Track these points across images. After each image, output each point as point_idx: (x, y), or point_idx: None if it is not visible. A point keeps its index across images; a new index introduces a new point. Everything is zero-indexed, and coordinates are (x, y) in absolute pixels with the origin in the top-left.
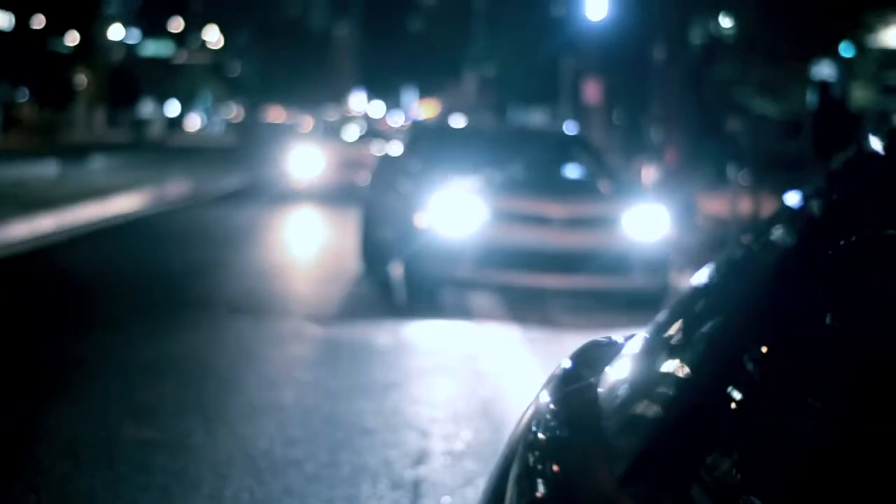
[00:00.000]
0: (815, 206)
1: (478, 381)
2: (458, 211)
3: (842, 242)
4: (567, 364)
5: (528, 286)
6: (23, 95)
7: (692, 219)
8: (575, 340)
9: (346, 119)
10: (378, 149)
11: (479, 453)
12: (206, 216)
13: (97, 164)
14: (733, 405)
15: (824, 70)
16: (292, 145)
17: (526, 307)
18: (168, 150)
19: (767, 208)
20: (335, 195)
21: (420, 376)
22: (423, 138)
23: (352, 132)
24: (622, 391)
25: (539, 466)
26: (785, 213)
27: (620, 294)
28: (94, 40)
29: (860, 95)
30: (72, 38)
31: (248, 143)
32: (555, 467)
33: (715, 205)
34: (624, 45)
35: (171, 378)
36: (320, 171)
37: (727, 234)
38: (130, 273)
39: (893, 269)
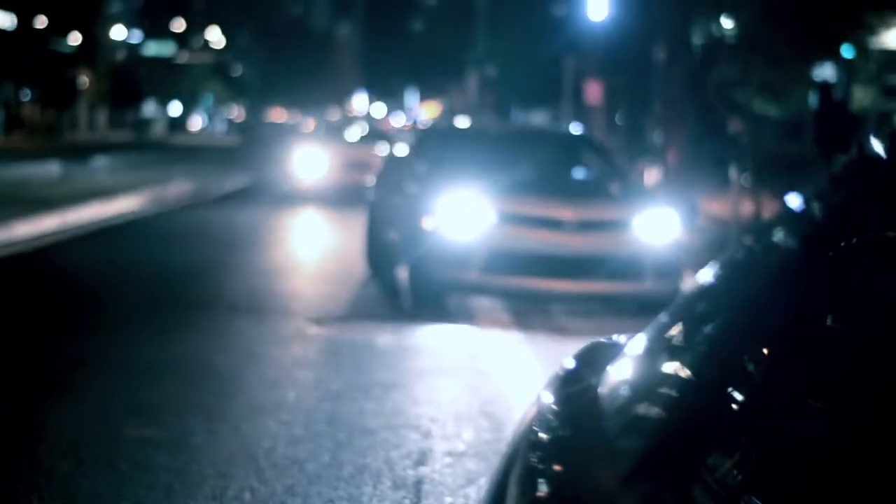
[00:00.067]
0: (816, 208)
1: (479, 381)
2: (465, 214)
3: (843, 245)
4: (569, 365)
5: (537, 291)
6: (25, 95)
7: (695, 220)
8: (576, 341)
9: (349, 119)
10: (382, 150)
11: (481, 453)
12: (209, 217)
13: (99, 164)
14: (734, 406)
15: (825, 71)
16: (296, 146)
17: (527, 308)
18: (170, 150)
19: (769, 210)
20: (339, 196)
21: (422, 377)
22: (430, 139)
23: (354, 133)
24: (624, 392)
25: (541, 466)
26: (786, 216)
27: (631, 299)
28: (97, 40)
29: (861, 96)
30: (74, 39)
31: (251, 143)
32: (557, 467)
33: (716, 206)
34: (625, 46)
35: (173, 377)
36: (324, 172)
37: (728, 235)
38: (133, 273)
39: (894, 272)
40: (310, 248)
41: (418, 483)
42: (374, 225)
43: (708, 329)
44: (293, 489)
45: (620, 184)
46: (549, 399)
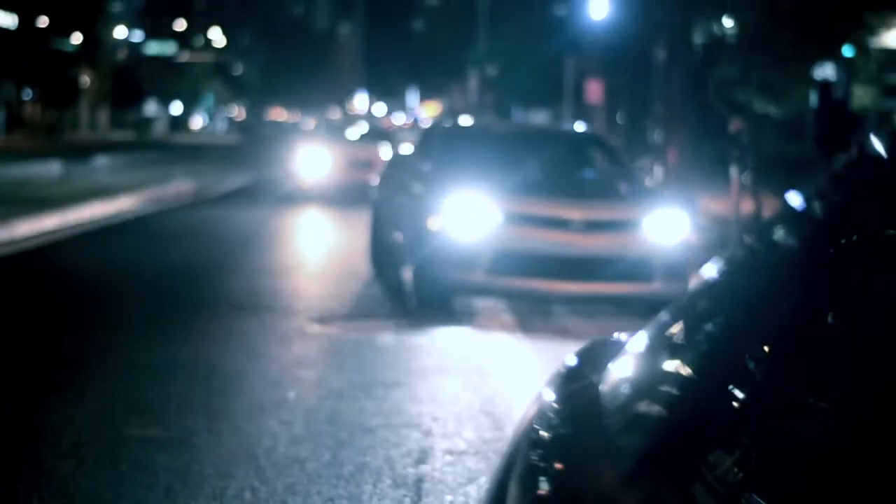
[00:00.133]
0: (817, 207)
1: (480, 380)
2: (471, 214)
3: (843, 243)
4: (570, 362)
5: (544, 292)
6: (27, 95)
7: (696, 219)
8: (577, 340)
9: (350, 118)
10: (384, 149)
11: (481, 452)
12: (211, 216)
13: (101, 164)
14: (735, 404)
15: (826, 71)
16: (298, 145)
17: (528, 307)
18: (171, 150)
19: (769, 209)
20: (343, 196)
21: (422, 375)
22: (435, 138)
23: (356, 132)
24: (625, 389)
25: (542, 464)
26: (787, 214)
27: (639, 301)
28: (98, 40)
29: (861, 96)
30: (76, 38)
31: (251, 142)
32: (558, 465)
33: (716, 205)
34: (626, 46)
35: (174, 377)
36: (327, 172)
37: (729, 234)
38: (134, 272)
39: (895, 270)
40: (312, 247)
41: (419, 481)
42: (378, 225)
43: (709, 327)
44: (294, 488)
45: (629, 183)
46: (550, 397)
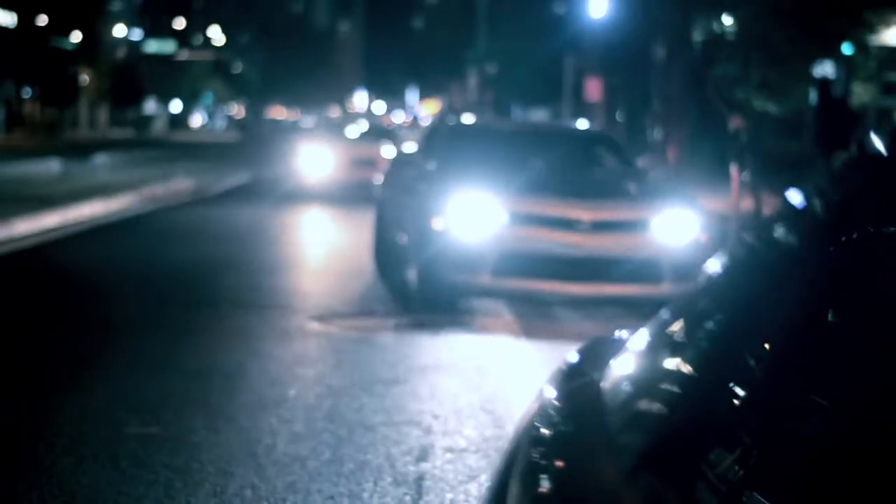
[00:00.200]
0: (817, 204)
1: (480, 377)
2: (476, 214)
3: (843, 241)
4: (571, 360)
5: (551, 294)
6: (26, 93)
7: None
8: (578, 339)
9: (350, 116)
10: (387, 147)
11: (482, 450)
12: (211, 214)
13: (100, 162)
14: (736, 402)
15: (825, 68)
16: (299, 143)
17: (529, 306)
18: (171, 148)
19: (769, 207)
20: (345, 194)
21: (423, 373)
22: (439, 136)
23: (356, 130)
24: (626, 387)
25: (543, 462)
26: (787, 212)
27: (648, 303)
28: (98, 38)
29: (860, 93)
30: (75, 37)
31: (251, 140)
32: (559, 462)
33: (716, 203)
34: (625, 44)
35: (174, 375)
36: (329, 170)
37: (728, 232)
38: (134, 270)
39: (894, 268)
40: (313, 246)
41: (419, 479)
42: (382, 224)
43: (709, 325)
44: (294, 486)
45: (637, 183)
46: (551, 394)
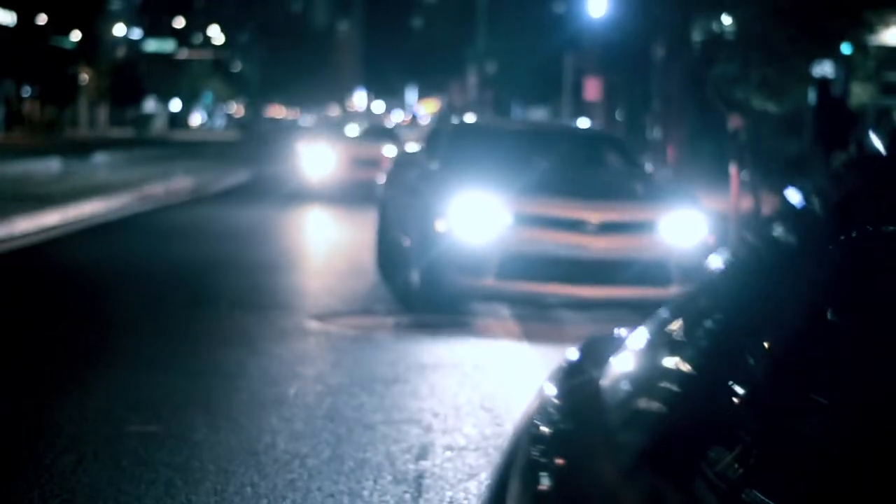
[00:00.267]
0: (816, 204)
1: (480, 376)
2: (479, 215)
3: (842, 240)
4: (571, 357)
5: (557, 297)
6: (26, 92)
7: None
8: (577, 334)
9: (349, 116)
10: (388, 146)
11: (482, 448)
12: (210, 213)
13: (100, 161)
14: (736, 400)
15: (825, 68)
16: (299, 142)
17: (531, 306)
18: (171, 146)
19: (768, 206)
20: (345, 193)
21: (422, 372)
22: (442, 137)
23: (356, 129)
24: (626, 385)
25: (543, 460)
26: (786, 211)
27: (656, 305)
28: (98, 37)
29: (860, 93)
30: (75, 36)
31: (250, 138)
32: (559, 460)
33: (715, 202)
34: (625, 43)
35: (174, 373)
36: (331, 169)
37: (728, 231)
38: (134, 268)
39: (894, 267)
40: (315, 245)
41: (419, 477)
42: (385, 225)
43: (709, 323)
44: (294, 484)
45: (644, 184)
46: (551, 392)
